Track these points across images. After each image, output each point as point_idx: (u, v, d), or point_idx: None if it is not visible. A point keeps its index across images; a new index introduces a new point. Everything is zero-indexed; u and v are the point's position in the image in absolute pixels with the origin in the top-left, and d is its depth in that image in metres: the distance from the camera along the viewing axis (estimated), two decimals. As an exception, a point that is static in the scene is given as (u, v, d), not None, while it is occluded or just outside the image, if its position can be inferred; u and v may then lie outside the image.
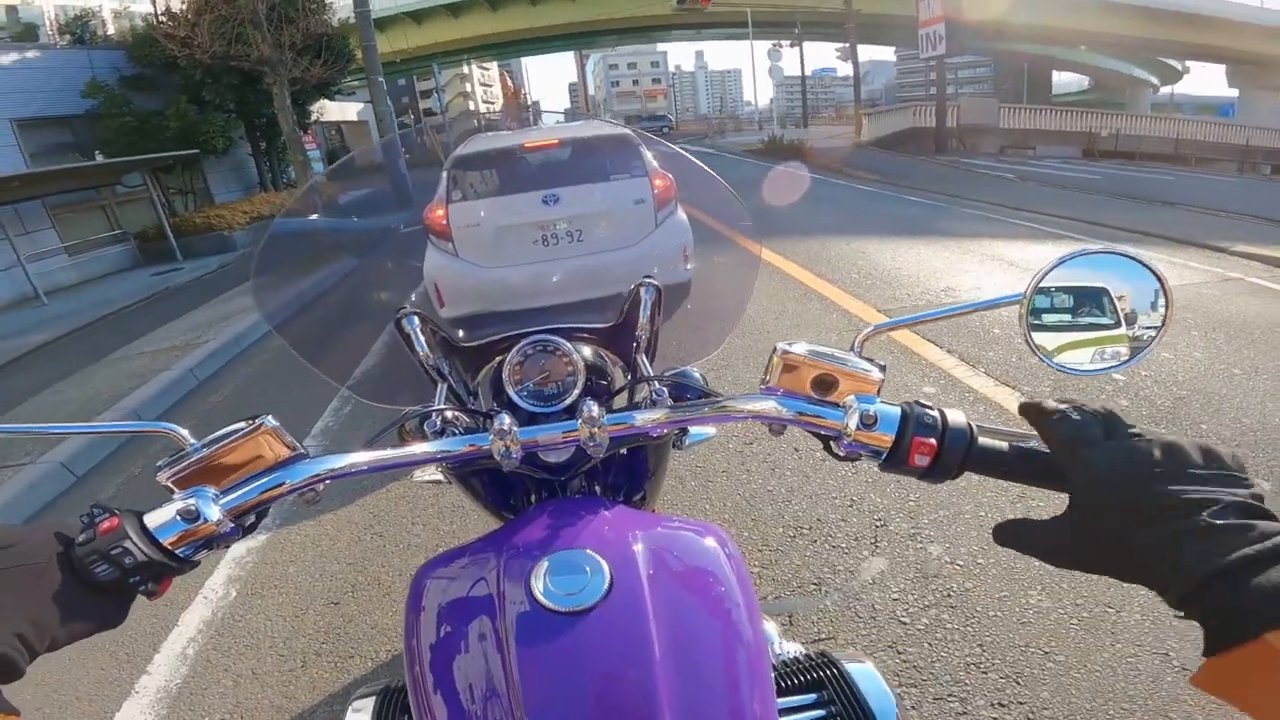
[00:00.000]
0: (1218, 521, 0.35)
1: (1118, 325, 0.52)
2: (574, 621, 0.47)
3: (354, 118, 28.29)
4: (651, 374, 0.73)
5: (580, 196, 2.90)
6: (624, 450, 0.77)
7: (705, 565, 0.53)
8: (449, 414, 0.68)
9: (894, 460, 0.50)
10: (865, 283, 4.83)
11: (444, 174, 2.93)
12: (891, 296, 4.46)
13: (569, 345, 0.68)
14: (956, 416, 0.50)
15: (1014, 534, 0.46)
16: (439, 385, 0.76)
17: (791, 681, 0.64)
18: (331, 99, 16.80)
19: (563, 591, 0.48)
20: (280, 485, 0.51)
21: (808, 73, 31.99)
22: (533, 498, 0.74)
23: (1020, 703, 1.44)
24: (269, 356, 4.88)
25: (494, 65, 62.07)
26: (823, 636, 1.68)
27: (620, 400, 0.77)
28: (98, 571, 0.44)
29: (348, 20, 11.79)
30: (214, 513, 0.48)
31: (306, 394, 3.74)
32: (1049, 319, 0.53)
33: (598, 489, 0.75)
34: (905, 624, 1.68)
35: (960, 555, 1.92)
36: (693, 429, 1.11)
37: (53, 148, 9.90)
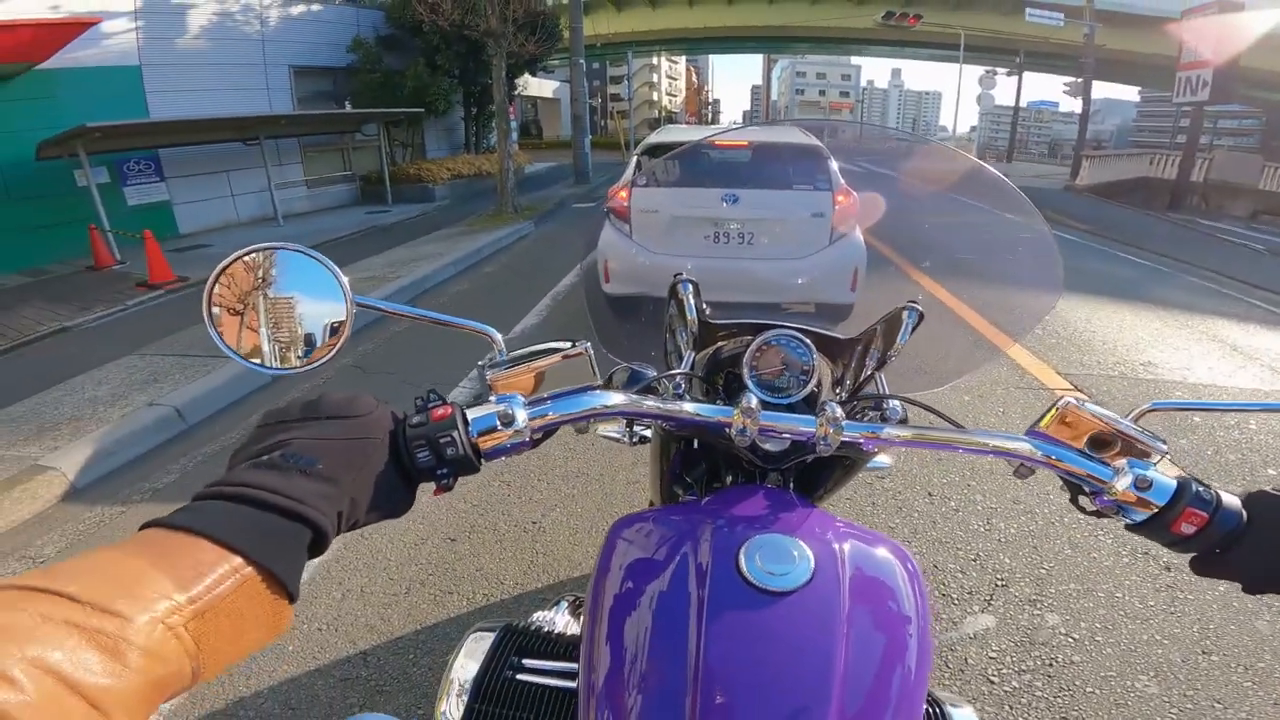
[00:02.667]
0: None
1: None
2: (772, 601, 0.49)
3: (549, 95, 30.36)
4: (888, 392, 0.75)
5: (759, 200, 2.91)
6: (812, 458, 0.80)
7: (895, 579, 0.54)
8: (693, 382, 0.73)
9: (1154, 526, 0.53)
10: (1049, 341, 4.31)
11: (634, 158, 3.06)
12: (1078, 361, 3.95)
13: (811, 347, 0.70)
14: (1231, 499, 0.52)
15: (1210, 564, 0.53)
16: (689, 353, 0.82)
17: None
18: (535, 75, 18.11)
19: (767, 570, 0.50)
20: (577, 409, 0.55)
21: (1023, 104, 28.87)
22: (728, 479, 0.77)
23: None
24: (442, 300, 5.47)
25: (682, 60, 63.17)
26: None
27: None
28: (419, 456, 0.47)
29: (560, 1, 12.61)
30: (522, 419, 0.52)
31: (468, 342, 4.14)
32: None
33: (790, 486, 0.76)
34: (993, 683, 1.59)
35: (1079, 629, 1.76)
36: (878, 457, 1.11)
37: (315, 94, 11.29)
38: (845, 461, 0.78)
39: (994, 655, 1.68)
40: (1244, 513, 0.51)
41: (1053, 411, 0.58)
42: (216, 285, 0.50)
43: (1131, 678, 1.61)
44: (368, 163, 11.92)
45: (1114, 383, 3.62)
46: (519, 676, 0.62)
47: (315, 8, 11.05)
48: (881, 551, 0.57)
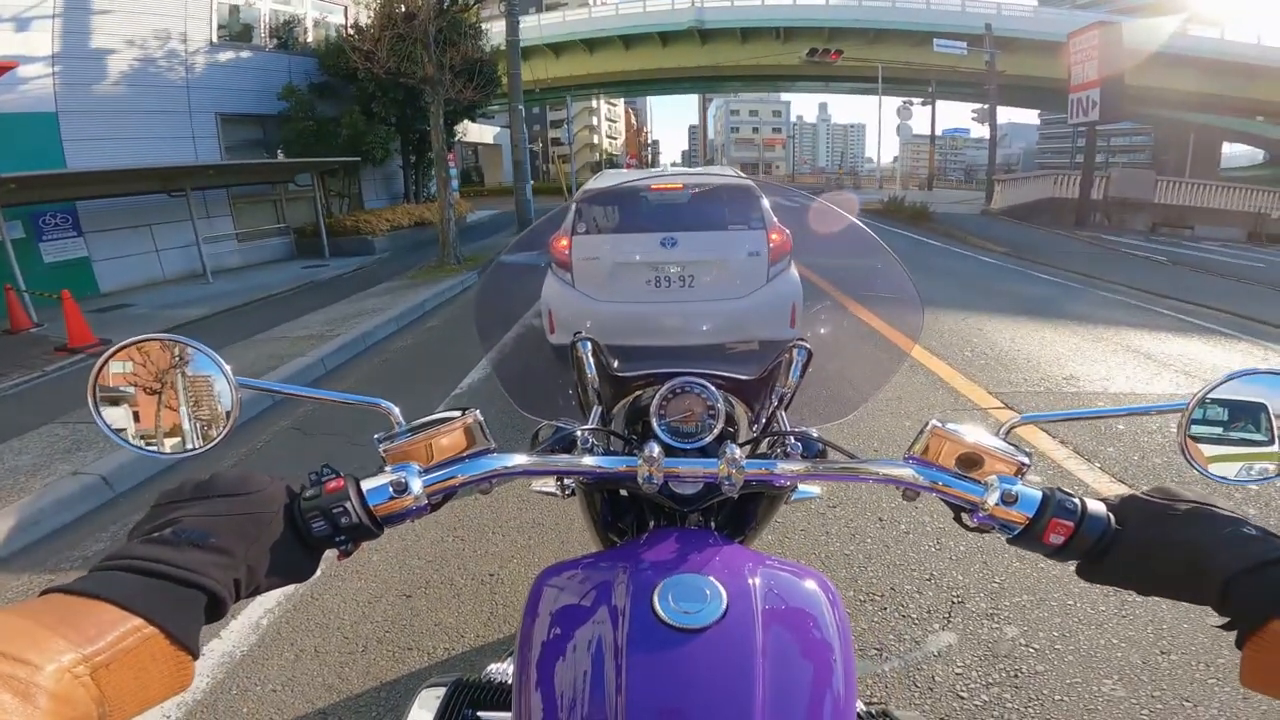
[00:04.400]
0: (1245, 531, 0.46)
1: (1271, 443, 0.55)
2: (687, 639, 0.50)
3: (490, 140, 30.56)
4: (789, 429, 0.78)
5: (697, 243, 3.00)
6: (736, 495, 0.84)
7: (813, 609, 0.56)
8: (601, 434, 0.75)
9: (1027, 537, 0.55)
10: (979, 362, 4.56)
11: (572, 206, 3.12)
12: (1006, 380, 4.18)
13: (714, 390, 0.72)
14: (1096, 506, 0.54)
15: (1092, 571, 0.55)
16: (595, 408, 0.85)
17: None
18: (475, 121, 18.19)
19: (681, 609, 0.51)
20: (475, 472, 0.57)
21: (938, 132, 30.94)
22: (651, 524, 0.79)
23: None
24: (385, 357, 5.34)
25: (620, 102, 65.01)
26: (872, 701, 1.61)
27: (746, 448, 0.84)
28: (315, 527, 0.49)
29: (498, 48, 12.80)
30: (417, 487, 0.54)
31: (414, 392, 4.01)
32: (1203, 430, 0.56)
33: (712, 525, 0.79)
34: (963, 699, 1.62)
35: (1038, 639, 1.82)
36: (800, 487, 1.16)
37: (245, 143, 10.99)
38: (765, 496, 0.81)
39: (959, 671, 1.71)
40: (1111, 518, 0.52)
41: (923, 435, 0.61)
42: (98, 379, 0.52)
43: (1096, 683, 1.65)
44: (303, 214, 11.56)
45: (1040, 398, 3.84)
46: None
47: (244, 54, 10.82)
48: (798, 581, 0.59)
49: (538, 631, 0.56)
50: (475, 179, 29.53)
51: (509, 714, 0.63)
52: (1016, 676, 1.69)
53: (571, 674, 0.52)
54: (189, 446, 0.55)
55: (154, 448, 0.55)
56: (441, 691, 0.66)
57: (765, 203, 3.13)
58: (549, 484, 1.09)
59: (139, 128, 8.95)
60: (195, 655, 0.41)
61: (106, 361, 0.53)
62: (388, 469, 0.55)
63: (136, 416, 0.54)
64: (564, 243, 2.71)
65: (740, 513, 0.84)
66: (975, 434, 0.60)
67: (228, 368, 0.54)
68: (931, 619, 1.92)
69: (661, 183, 3.37)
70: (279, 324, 6.20)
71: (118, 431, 0.53)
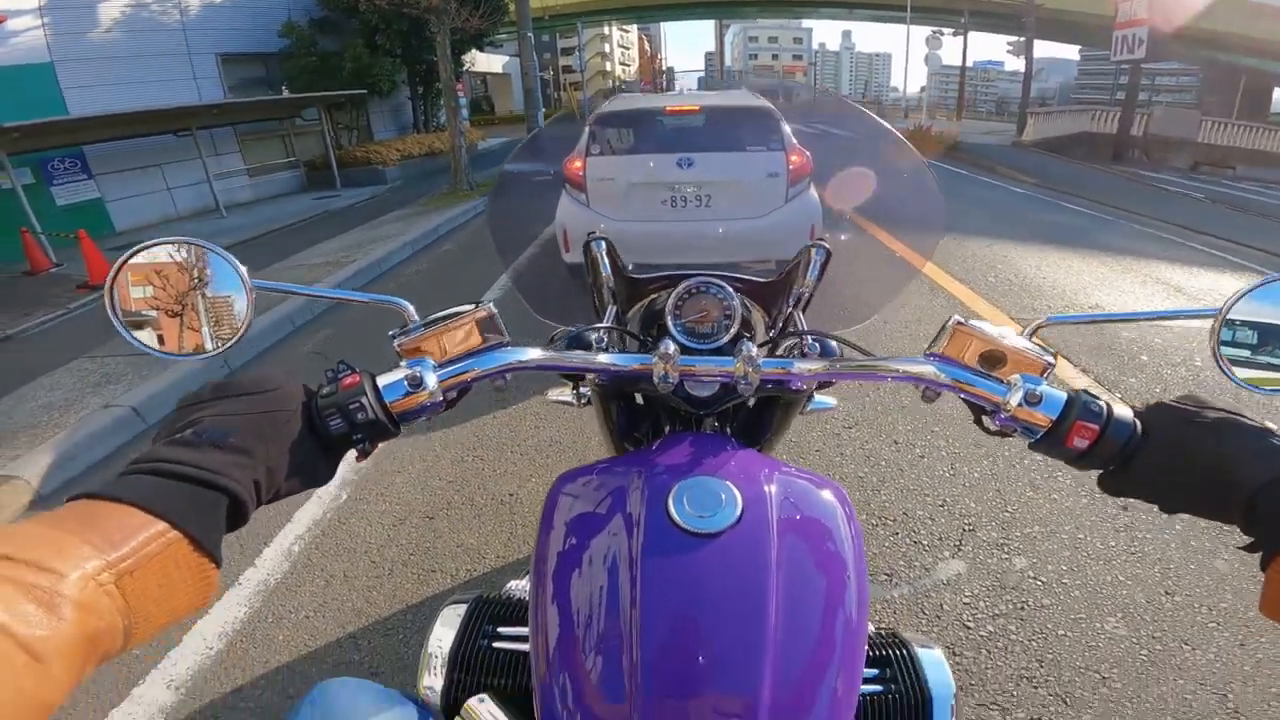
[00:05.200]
0: (1274, 442, 0.44)
1: None
2: (702, 543, 0.50)
3: (499, 70, 29.46)
4: (806, 329, 0.76)
5: (714, 163, 2.93)
6: (752, 402, 0.81)
7: (827, 517, 0.55)
8: (616, 334, 0.74)
9: (1050, 441, 0.53)
10: (1001, 288, 4.48)
11: (586, 129, 3.03)
12: (1029, 306, 4.11)
13: (730, 290, 0.70)
14: (1123, 410, 0.51)
15: (1116, 481, 0.52)
16: (610, 307, 0.84)
17: None
18: (482, 50, 17.50)
19: (696, 513, 0.51)
20: (489, 366, 0.57)
21: (969, 64, 29.20)
22: (666, 429, 0.79)
23: None
24: (401, 280, 5.35)
25: (634, 28, 61.95)
26: (881, 625, 1.67)
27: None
28: (332, 424, 0.49)
29: (505, -27, 12.21)
30: (432, 381, 0.53)
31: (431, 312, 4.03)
32: (1235, 338, 0.53)
33: (727, 431, 0.78)
34: (969, 628, 1.65)
35: (1046, 572, 1.84)
36: (817, 397, 1.15)
37: (247, 81, 10.81)
38: (782, 402, 0.80)
39: (967, 600, 1.74)
40: (1137, 424, 0.50)
41: (946, 330, 0.59)
42: (115, 283, 0.52)
43: (1100, 620, 1.66)
44: (312, 148, 11.47)
45: (1065, 325, 3.76)
46: (494, 644, 0.63)
47: (241, -7, 10.49)
48: (814, 490, 0.58)
49: (553, 539, 0.56)
50: (485, 108, 28.66)
51: (526, 629, 0.64)
52: (1023, 609, 1.70)
53: (586, 579, 0.52)
54: (206, 348, 0.55)
55: (170, 350, 0.54)
56: (463, 609, 0.66)
57: (785, 126, 3.03)
58: (564, 393, 1.09)
59: (139, 72, 8.84)
60: (218, 563, 0.41)
61: (123, 265, 0.52)
62: (403, 364, 0.54)
63: (153, 319, 0.54)
64: (578, 164, 2.65)
65: (756, 421, 0.84)
66: (999, 332, 0.57)
67: (243, 269, 0.53)
68: (942, 546, 1.95)
69: (677, 105, 3.24)
70: (295, 253, 6.20)
71: (134, 334, 0.53)
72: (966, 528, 2.03)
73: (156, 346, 0.54)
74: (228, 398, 0.47)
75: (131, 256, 0.52)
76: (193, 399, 0.47)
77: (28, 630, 0.30)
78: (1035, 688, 1.48)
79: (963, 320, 0.58)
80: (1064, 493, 2.18)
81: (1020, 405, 0.53)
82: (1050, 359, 0.56)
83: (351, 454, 0.53)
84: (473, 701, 0.59)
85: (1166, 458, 0.48)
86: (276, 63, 11.19)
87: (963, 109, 29.26)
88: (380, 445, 0.53)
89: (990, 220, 7.06)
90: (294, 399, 0.49)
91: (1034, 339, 0.58)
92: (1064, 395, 0.53)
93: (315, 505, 2.30)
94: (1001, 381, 0.56)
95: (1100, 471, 0.53)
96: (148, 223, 8.86)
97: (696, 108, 3.35)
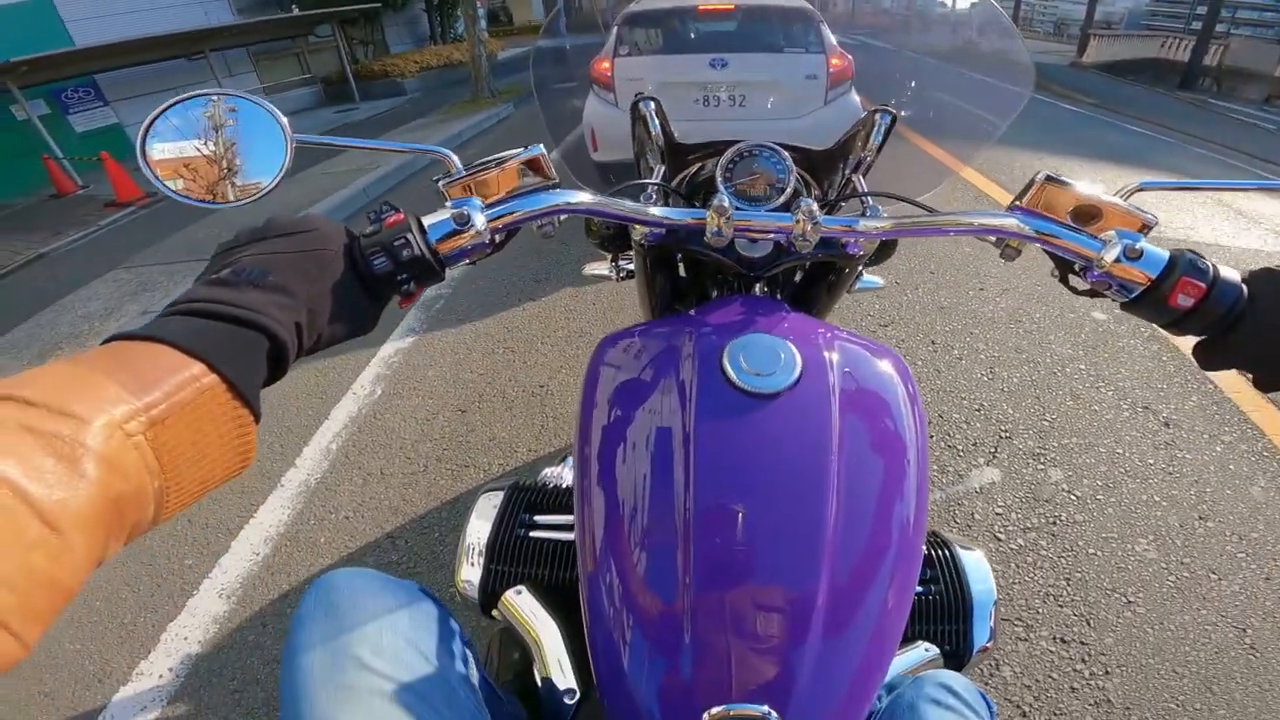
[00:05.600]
0: None
1: None
2: (759, 404, 0.47)
3: (519, -19, 27.92)
4: (867, 191, 0.71)
5: (749, 64, 2.78)
6: (799, 276, 0.77)
7: (888, 390, 0.53)
8: (663, 193, 0.70)
9: (1149, 300, 0.49)
10: (1050, 200, 4.29)
11: (613, 28, 2.87)
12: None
13: (785, 154, 0.66)
14: (1229, 273, 0.48)
15: (1214, 351, 0.49)
16: (659, 167, 0.79)
17: None
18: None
19: (753, 372, 0.48)
20: (537, 206, 0.54)
21: (1028, -25, 26.75)
22: (714, 295, 0.75)
23: (1083, 643, 1.40)
24: (425, 184, 5.31)
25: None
26: None
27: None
28: (375, 263, 0.47)
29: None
30: (480, 220, 0.51)
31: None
32: None
33: (780, 298, 0.74)
34: (1000, 540, 1.64)
35: (1080, 486, 1.81)
36: (865, 276, 1.10)
37: (257, 2, 10.53)
38: (832, 274, 0.76)
39: (1000, 511, 1.72)
40: (1244, 288, 0.47)
41: (1034, 186, 0.54)
42: (149, 133, 0.50)
43: (1132, 540, 1.63)
44: (328, 64, 11.26)
45: (1158, 191, 3.62)
46: (531, 534, 0.62)
47: (247, -92, 9.99)
48: (875, 359, 0.54)
49: (597, 413, 0.54)
50: (503, 19, 27.47)
51: (565, 517, 0.64)
52: (1054, 524, 1.68)
53: (635, 455, 0.49)
54: (237, 198, 0.52)
55: (202, 197, 0.52)
56: (498, 498, 0.65)
57: (825, 28, 2.85)
58: (601, 267, 1.06)
59: (142, 0, 8.69)
60: (257, 415, 0.38)
61: (161, 114, 0.50)
62: (449, 204, 0.52)
63: (190, 169, 0.51)
64: (605, 65, 2.54)
65: (804, 294, 0.80)
66: (1093, 189, 0.52)
67: (284, 119, 0.51)
68: (977, 452, 1.92)
69: (710, 4, 3.04)
70: (318, 162, 6.17)
71: (168, 184, 0.51)
72: (1003, 434, 1.99)
73: (188, 194, 0.51)
74: (266, 238, 0.44)
75: (171, 106, 0.50)
76: (229, 244, 0.45)
77: (44, 492, 0.25)
78: (1061, 606, 1.48)
79: (1053, 175, 0.53)
80: (1105, 405, 2.12)
81: (1118, 260, 0.49)
82: (1151, 217, 0.51)
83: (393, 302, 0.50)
84: (510, 594, 0.58)
85: (1273, 326, 0.45)
86: (286, -21, 10.76)
87: (1017, 25, 27.10)
88: (423, 292, 0.51)
89: (1040, 134, 6.57)
90: (336, 239, 0.46)
91: (1128, 202, 0.53)
92: (1167, 253, 0.49)
93: (351, 401, 2.35)
94: (1095, 237, 0.51)
95: (1198, 339, 0.50)
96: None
97: (730, 7, 3.15)
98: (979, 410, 2.10)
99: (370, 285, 0.47)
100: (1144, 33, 18.17)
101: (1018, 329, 2.51)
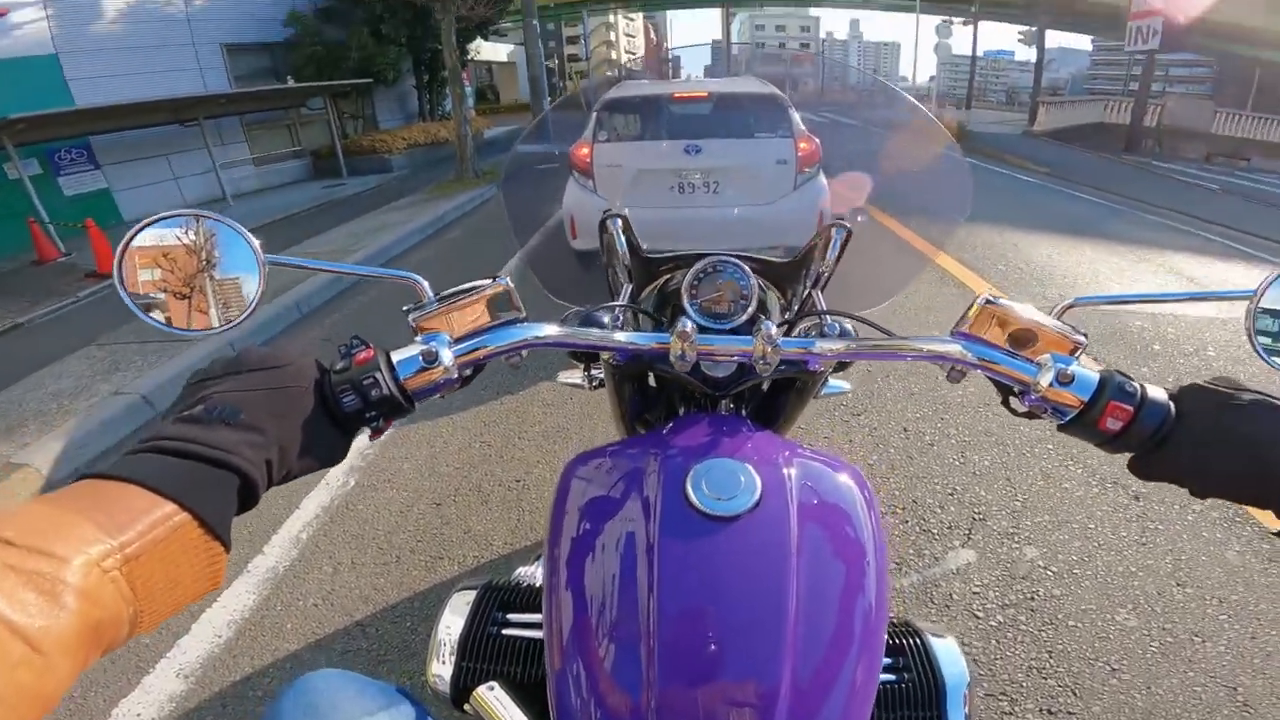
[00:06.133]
0: None
1: None
2: (721, 526, 0.48)
3: (504, 58, 29.32)
4: (825, 309, 0.74)
5: (722, 150, 2.90)
6: (767, 385, 0.80)
7: (846, 502, 0.54)
8: (631, 314, 0.73)
9: (1081, 423, 0.51)
10: (1013, 276, 4.43)
11: (592, 114, 3.01)
12: (1042, 295, 4.06)
13: (747, 270, 0.69)
14: (1157, 392, 0.50)
15: (1147, 465, 0.51)
16: (626, 286, 0.82)
17: None
18: (487, 39, 17.41)
19: (714, 496, 0.50)
20: (504, 342, 0.55)
21: (979, 53, 28.84)
22: (680, 411, 0.77)
23: (1070, 713, 1.39)
24: (409, 267, 5.35)
25: (639, 17, 61.45)
26: (892, 616, 1.65)
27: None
28: (345, 401, 0.47)
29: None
30: (448, 357, 0.52)
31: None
32: (1270, 322, 0.52)
33: (742, 414, 0.76)
34: (979, 618, 1.64)
35: (1057, 562, 1.82)
36: (831, 381, 1.13)
37: (254, 71, 10.81)
38: (797, 385, 0.79)
39: (977, 590, 1.72)
40: (1172, 406, 0.49)
41: (974, 309, 0.57)
42: (124, 257, 0.51)
43: (1111, 611, 1.65)
44: (318, 137, 11.51)
45: (1073, 314, 3.73)
46: (504, 631, 0.63)
47: (245, -19, 10.48)
48: (834, 474, 0.56)
49: (567, 523, 0.55)
50: (491, 97, 28.62)
51: (537, 615, 0.63)
52: (1033, 599, 1.69)
53: (601, 564, 0.51)
54: (216, 324, 0.53)
55: (180, 326, 0.53)
56: (471, 596, 0.66)
57: (794, 112, 3.01)
58: (575, 375, 1.09)
59: (143, 63, 8.88)
60: (227, 547, 0.39)
61: (133, 237, 0.51)
62: (418, 339, 0.53)
63: (164, 292, 0.52)
64: (585, 150, 2.64)
65: (770, 404, 0.82)
66: (1028, 311, 0.56)
67: (255, 241, 0.52)
68: (952, 535, 1.94)
69: (685, 91, 3.21)
70: (301, 241, 6.22)
71: (145, 310, 0.52)
72: (977, 516, 2.01)
73: (166, 323, 0.52)
74: (239, 374, 0.45)
75: (143, 228, 0.51)
76: (202, 375, 0.46)
77: (27, 620, 0.28)
78: (1045, 678, 1.47)
79: (991, 298, 0.57)
80: (1076, 482, 2.16)
81: (1051, 385, 0.51)
82: (1082, 338, 0.55)
83: (363, 435, 0.51)
84: (482, 689, 0.58)
85: (1201, 442, 0.47)
86: (282, 52, 11.19)
87: (972, 98, 28.97)
88: (393, 424, 0.52)
89: (1000, 208, 6.95)
90: (307, 375, 0.47)
91: (1062, 319, 0.56)
92: (1097, 375, 0.51)
93: (323, 491, 2.31)
94: (1031, 361, 0.54)
95: (1131, 454, 0.52)
96: (154, 211, 8.80)
97: (704, 94, 3.31)
98: (952, 494, 2.13)
99: (340, 421, 0.48)
100: (1087, 98, 19.49)
101: (987, 412, 2.58)
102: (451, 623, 0.63)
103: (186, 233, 0.52)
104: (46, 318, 4.79)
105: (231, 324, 0.53)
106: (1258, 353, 0.52)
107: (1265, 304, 0.51)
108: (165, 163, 9.21)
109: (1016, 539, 1.91)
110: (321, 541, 2.06)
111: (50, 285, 5.57)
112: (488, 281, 0.57)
